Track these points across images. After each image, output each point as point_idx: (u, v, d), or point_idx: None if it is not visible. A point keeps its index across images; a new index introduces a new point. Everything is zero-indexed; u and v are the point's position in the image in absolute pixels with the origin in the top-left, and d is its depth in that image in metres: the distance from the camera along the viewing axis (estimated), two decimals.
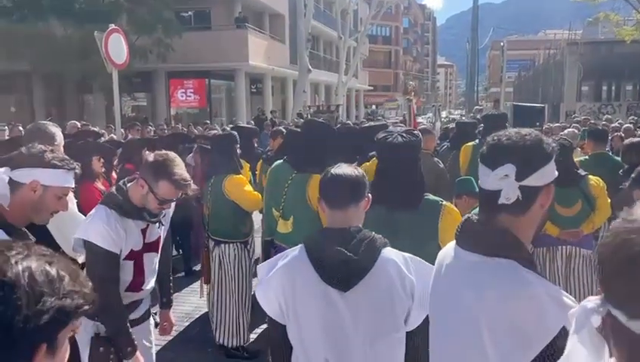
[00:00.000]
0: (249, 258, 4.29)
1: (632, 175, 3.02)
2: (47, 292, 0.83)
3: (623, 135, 7.58)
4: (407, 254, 1.85)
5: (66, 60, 17.16)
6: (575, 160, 4.22)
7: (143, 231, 2.51)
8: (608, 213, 3.81)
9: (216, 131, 9.62)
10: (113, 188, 2.57)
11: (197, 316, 5.20)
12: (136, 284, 2.53)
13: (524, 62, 47.28)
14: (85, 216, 2.58)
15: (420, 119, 12.81)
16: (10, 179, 1.96)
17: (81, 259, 2.46)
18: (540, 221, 1.46)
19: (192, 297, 5.66)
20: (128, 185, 2.48)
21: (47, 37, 17.63)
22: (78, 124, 9.12)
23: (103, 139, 7.22)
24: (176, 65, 20.29)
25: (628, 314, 0.70)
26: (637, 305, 0.70)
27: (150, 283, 2.63)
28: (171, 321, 2.95)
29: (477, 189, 3.89)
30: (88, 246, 2.36)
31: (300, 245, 1.86)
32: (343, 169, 1.87)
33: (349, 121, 9.95)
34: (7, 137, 8.40)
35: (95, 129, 9.23)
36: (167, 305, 2.95)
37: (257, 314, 4.42)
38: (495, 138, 1.45)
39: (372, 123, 4.74)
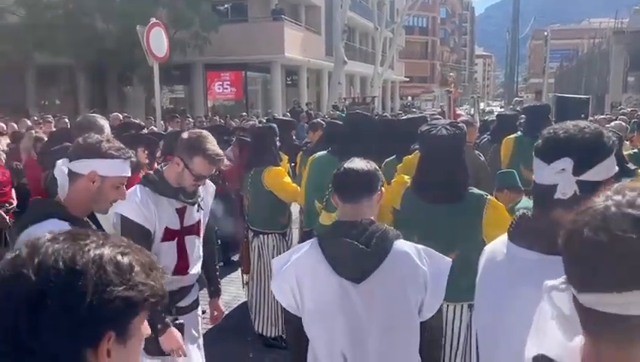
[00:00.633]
0: (287, 248, 4.32)
1: None
2: (115, 281, 0.84)
3: None
4: (419, 245, 1.84)
5: (108, 54, 17.61)
6: (624, 153, 4.08)
7: (180, 213, 2.56)
8: None
9: (253, 122, 9.71)
10: (151, 171, 2.66)
11: (236, 305, 5.28)
12: (181, 268, 2.59)
13: (567, 52, 45.86)
14: None
15: (458, 111, 12.57)
16: (69, 170, 1.97)
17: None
18: None
19: (230, 287, 5.75)
20: (164, 167, 2.58)
21: (91, 31, 18.13)
22: (120, 116, 9.34)
23: (144, 131, 7.38)
24: (213, 58, 20.52)
25: (576, 289, 0.80)
26: (574, 281, 0.80)
27: (195, 268, 2.68)
28: (221, 309, 3.00)
29: (519, 183, 3.83)
30: (122, 220, 2.44)
31: (312, 238, 1.88)
32: (356, 163, 1.89)
33: (386, 114, 9.87)
34: (53, 129, 8.68)
35: (137, 121, 9.44)
36: (215, 293, 3.01)
37: None
38: (552, 131, 1.42)
39: (411, 115, 4.69)
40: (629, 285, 0.73)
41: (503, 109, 24.53)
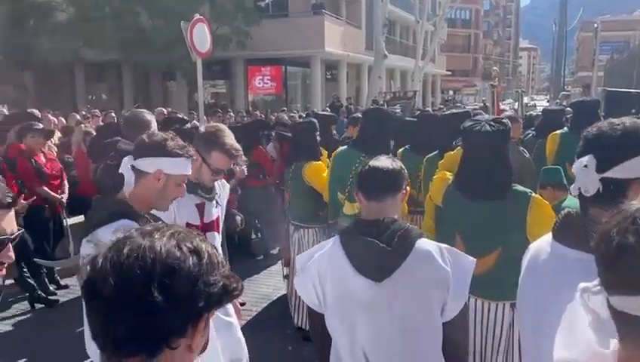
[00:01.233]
0: None
1: None
2: (217, 270, 0.91)
3: None
4: (443, 245, 1.82)
5: (153, 50, 18.05)
6: None
7: (200, 209, 2.56)
8: None
9: (293, 115, 9.79)
10: None
11: (275, 297, 5.35)
12: None
13: (618, 44, 44.06)
14: None
15: (501, 106, 12.28)
16: (134, 167, 1.98)
17: None
18: None
19: (270, 279, 5.83)
20: None
21: (136, 28, 18.63)
22: (165, 111, 9.57)
23: (187, 125, 7.54)
24: (254, 53, 20.72)
25: (607, 291, 0.80)
26: (605, 283, 0.80)
27: None
28: (237, 306, 2.90)
29: (564, 180, 3.73)
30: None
31: (335, 236, 1.88)
32: (382, 161, 1.87)
33: (428, 108, 9.74)
34: (100, 123, 8.98)
35: (180, 115, 9.64)
36: None
37: None
38: (588, 128, 1.42)
39: (454, 110, 4.62)
40: None
41: (548, 104, 23.81)
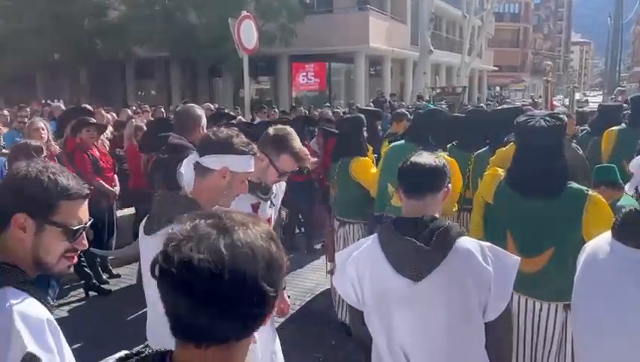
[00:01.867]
0: None
1: None
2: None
3: None
4: (485, 243, 1.76)
5: (200, 47, 18.42)
6: None
7: (255, 208, 2.58)
8: None
9: (337, 111, 9.77)
10: None
11: (318, 292, 5.38)
12: None
13: None
14: None
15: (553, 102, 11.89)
16: (199, 164, 1.99)
17: None
18: None
19: (313, 274, 5.86)
20: None
21: (185, 25, 19.05)
22: (212, 107, 9.74)
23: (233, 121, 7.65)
24: (299, 49, 20.81)
25: None
26: None
27: None
28: (287, 302, 2.92)
29: (618, 179, 3.60)
30: None
31: (373, 234, 1.86)
32: (424, 157, 1.84)
33: (482, 105, 9.52)
34: (151, 118, 9.23)
35: (227, 111, 9.80)
36: None
37: None
38: None
39: (505, 106, 4.52)
40: None
41: (602, 100, 22.89)
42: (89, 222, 1.44)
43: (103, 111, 8.95)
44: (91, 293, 5.34)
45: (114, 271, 5.81)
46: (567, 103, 14.73)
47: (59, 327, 1.34)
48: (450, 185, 1.88)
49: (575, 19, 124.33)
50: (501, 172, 2.61)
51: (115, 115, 10.30)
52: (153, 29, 18.69)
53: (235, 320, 0.86)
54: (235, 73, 18.73)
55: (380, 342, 1.82)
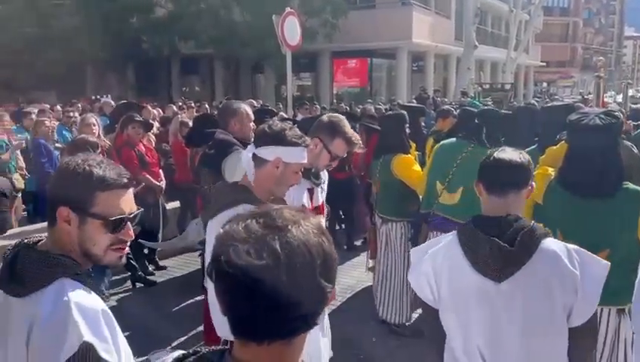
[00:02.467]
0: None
1: None
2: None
3: None
4: (572, 246, 1.70)
5: (244, 43, 18.65)
6: None
7: (310, 193, 2.70)
8: None
9: (379, 107, 9.71)
10: None
11: (359, 289, 5.37)
12: None
13: None
14: None
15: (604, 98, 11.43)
16: (255, 155, 2.11)
17: None
18: None
19: (353, 271, 5.85)
20: None
21: (229, 23, 19.33)
22: (255, 103, 9.85)
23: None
24: (340, 45, 20.77)
25: None
26: None
27: None
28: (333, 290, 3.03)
29: None
30: None
31: (452, 231, 1.82)
32: (507, 153, 1.79)
33: (533, 101, 9.23)
34: (195, 114, 9.41)
35: (269, 107, 9.90)
36: None
37: None
38: None
39: (555, 103, 4.38)
40: None
41: None
42: (135, 212, 1.43)
43: (150, 107, 9.18)
44: (138, 284, 5.50)
45: (160, 264, 5.97)
46: (618, 100, 14.16)
47: (112, 317, 1.37)
48: (533, 182, 1.83)
49: (628, 13, 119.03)
50: (551, 171, 2.53)
51: (160, 110, 10.56)
52: (198, 26, 19.04)
53: (296, 318, 0.87)
54: (277, 70, 18.87)
55: (455, 342, 1.79)
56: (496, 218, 1.73)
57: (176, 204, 6.44)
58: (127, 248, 1.45)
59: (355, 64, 23.08)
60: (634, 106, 9.98)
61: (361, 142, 2.80)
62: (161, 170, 5.77)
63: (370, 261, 4.71)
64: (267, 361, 0.89)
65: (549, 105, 4.54)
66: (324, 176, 2.90)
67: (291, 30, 7.41)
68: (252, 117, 3.67)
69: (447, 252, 1.78)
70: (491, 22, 32.60)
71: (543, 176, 2.54)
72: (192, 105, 11.51)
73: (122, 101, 9.27)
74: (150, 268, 5.80)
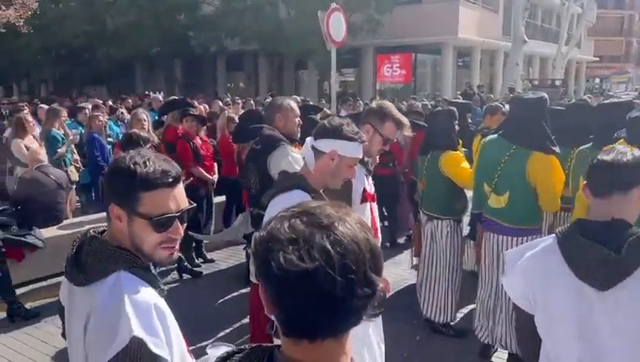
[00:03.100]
0: (461, 235, 4.23)
1: None
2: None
3: None
4: None
5: (288, 40, 18.77)
6: None
7: (367, 178, 2.79)
8: None
9: (425, 103, 9.60)
10: None
11: (401, 287, 5.32)
12: (374, 233, 2.72)
13: None
14: None
15: None
16: (313, 147, 2.25)
17: None
18: None
19: (396, 268, 5.81)
20: None
21: (274, 19, 19.50)
22: (299, 99, 9.89)
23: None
24: (384, 41, 20.60)
25: None
26: None
27: (378, 236, 2.84)
28: (387, 281, 2.93)
29: None
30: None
31: (551, 235, 1.74)
32: (615, 153, 1.67)
33: (586, 97, 8.89)
34: (241, 110, 9.54)
35: (313, 103, 9.91)
36: None
37: (465, 293, 4.38)
38: None
39: (612, 100, 4.20)
40: None
41: None
42: (184, 209, 1.41)
43: (196, 103, 9.37)
44: (185, 276, 5.64)
45: (208, 256, 6.10)
46: None
47: (167, 311, 1.38)
48: None
49: None
50: None
51: (207, 106, 10.76)
52: (244, 22, 19.29)
53: (350, 313, 0.87)
54: (320, 66, 18.91)
55: (553, 350, 1.71)
56: (600, 222, 1.63)
57: (222, 198, 6.56)
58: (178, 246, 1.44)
59: (398, 59, 22.85)
60: None
61: (409, 123, 2.92)
62: (215, 164, 5.90)
63: (415, 259, 4.66)
64: (319, 359, 0.89)
65: (605, 102, 4.36)
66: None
67: (337, 26, 7.41)
68: (297, 112, 3.68)
69: (546, 256, 1.70)
70: (541, 15, 31.60)
71: None
72: (239, 101, 11.68)
73: (173, 97, 9.49)
74: (199, 261, 5.93)
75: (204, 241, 6.04)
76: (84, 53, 23.20)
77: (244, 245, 5.27)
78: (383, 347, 2.70)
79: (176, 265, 5.65)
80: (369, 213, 2.74)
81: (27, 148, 6.12)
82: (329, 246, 0.84)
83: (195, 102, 9.75)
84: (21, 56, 22.80)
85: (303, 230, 0.86)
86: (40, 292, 5.15)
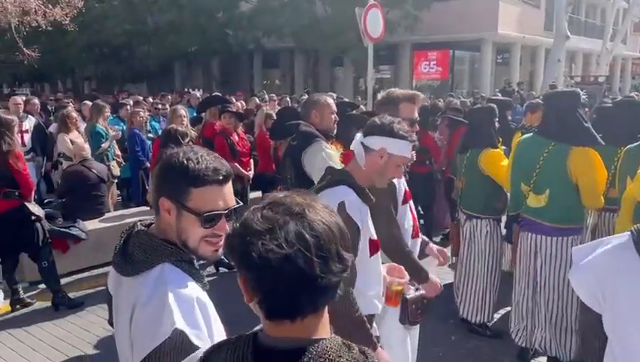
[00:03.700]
0: (501, 235, 4.15)
1: None
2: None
3: None
4: None
5: (324, 37, 18.77)
6: None
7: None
8: None
9: (464, 100, 9.43)
10: None
11: None
12: (416, 232, 2.78)
13: None
14: None
15: None
16: (362, 143, 2.22)
17: None
18: None
19: (431, 267, 5.70)
20: None
21: (311, 16, 19.53)
22: (334, 95, 9.88)
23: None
24: (422, 37, 20.35)
25: None
26: None
27: (418, 234, 2.86)
28: (436, 281, 2.92)
29: None
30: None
31: (625, 233, 1.68)
32: None
33: (633, 95, 8.55)
34: (277, 107, 9.60)
35: (347, 100, 9.88)
36: None
37: (503, 293, 4.30)
38: None
39: None
40: None
41: None
42: (231, 207, 1.43)
43: (234, 99, 9.48)
44: (222, 269, 5.72)
45: None
46: None
47: (209, 303, 1.40)
48: None
49: None
50: None
51: (244, 103, 10.87)
52: (281, 19, 19.38)
53: (328, 289, 0.94)
54: (356, 63, 18.83)
55: (620, 349, 1.65)
56: None
57: (258, 193, 6.62)
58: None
59: (436, 56, 22.54)
60: None
61: (421, 97, 2.97)
62: (251, 160, 5.97)
63: (453, 258, 4.60)
64: (301, 334, 0.94)
65: None
66: None
67: (374, 22, 7.36)
68: (334, 108, 3.67)
69: (619, 253, 1.64)
70: (585, 10, 30.62)
71: None
72: (275, 98, 11.76)
73: (212, 94, 9.64)
74: None
75: None
76: (125, 51, 23.79)
77: None
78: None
79: None
80: (409, 213, 2.70)
81: (72, 143, 6.32)
82: (303, 231, 0.91)
83: (233, 99, 9.88)
84: (66, 54, 23.53)
85: (277, 219, 0.92)
86: (82, 283, 5.32)
